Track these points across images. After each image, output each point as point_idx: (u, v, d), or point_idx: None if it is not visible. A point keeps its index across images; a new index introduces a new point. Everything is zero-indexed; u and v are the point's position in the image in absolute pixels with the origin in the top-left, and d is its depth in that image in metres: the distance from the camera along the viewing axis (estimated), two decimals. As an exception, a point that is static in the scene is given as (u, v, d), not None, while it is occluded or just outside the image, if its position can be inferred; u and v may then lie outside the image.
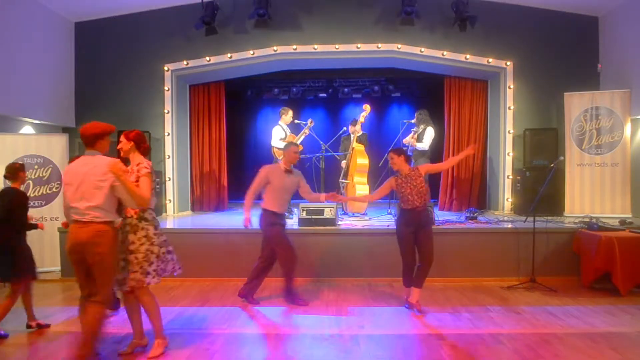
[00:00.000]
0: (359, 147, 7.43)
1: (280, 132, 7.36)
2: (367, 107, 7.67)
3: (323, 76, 9.82)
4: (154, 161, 7.91)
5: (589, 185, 7.22)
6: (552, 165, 5.99)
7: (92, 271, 3.30)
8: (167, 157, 8.10)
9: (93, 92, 8.05)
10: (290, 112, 7.53)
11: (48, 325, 4.41)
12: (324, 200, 5.18)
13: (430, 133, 7.47)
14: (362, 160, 7.36)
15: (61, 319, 4.65)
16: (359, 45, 7.83)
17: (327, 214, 6.08)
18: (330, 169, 8.19)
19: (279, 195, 4.91)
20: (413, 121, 7.71)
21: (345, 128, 8.12)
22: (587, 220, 6.03)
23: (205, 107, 8.85)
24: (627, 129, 7.04)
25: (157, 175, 7.75)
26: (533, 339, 4.01)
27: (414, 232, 4.63)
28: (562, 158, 6.44)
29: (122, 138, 3.84)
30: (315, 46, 7.85)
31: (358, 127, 7.51)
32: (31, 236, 6.22)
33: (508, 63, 7.92)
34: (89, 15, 7.95)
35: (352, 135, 7.60)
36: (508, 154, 7.99)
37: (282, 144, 7.29)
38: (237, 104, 10.25)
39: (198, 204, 8.76)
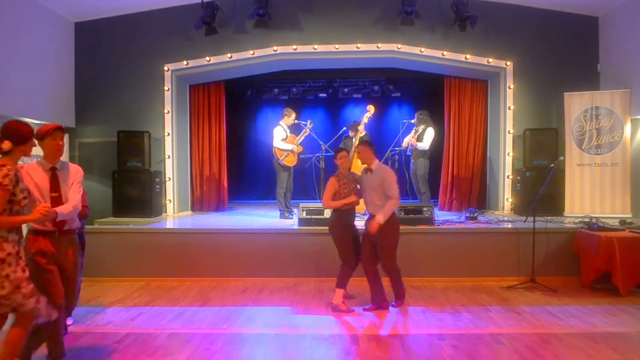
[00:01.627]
0: None
1: (282, 132, 7.37)
2: (371, 108, 7.62)
3: (323, 76, 9.82)
4: (153, 161, 7.92)
5: (589, 185, 7.22)
6: (552, 165, 5.99)
7: None
8: (167, 157, 8.10)
9: (93, 92, 8.05)
10: (294, 115, 7.54)
11: None
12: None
13: (430, 133, 7.49)
14: None
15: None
16: (359, 45, 7.83)
17: (327, 214, 6.08)
18: (330, 168, 8.14)
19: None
20: (413, 121, 7.72)
21: (345, 128, 8.13)
22: (587, 220, 6.04)
23: (205, 107, 8.85)
24: (627, 129, 7.04)
25: (157, 176, 7.77)
26: (533, 339, 4.01)
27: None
28: (562, 158, 6.44)
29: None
30: (315, 46, 7.85)
31: (362, 127, 7.50)
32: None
33: (508, 63, 7.92)
34: (89, 15, 7.94)
35: (353, 138, 7.58)
36: (508, 154, 7.99)
37: (283, 145, 7.31)
38: (237, 104, 10.26)
39: (198, 204, 8.76)
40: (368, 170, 4.80)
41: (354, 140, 7.55)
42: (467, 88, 8.65)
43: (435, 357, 3.67)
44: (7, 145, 2.96)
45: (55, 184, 3.29)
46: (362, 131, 7.51)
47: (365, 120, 7.54)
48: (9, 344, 3.02)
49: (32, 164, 3.32)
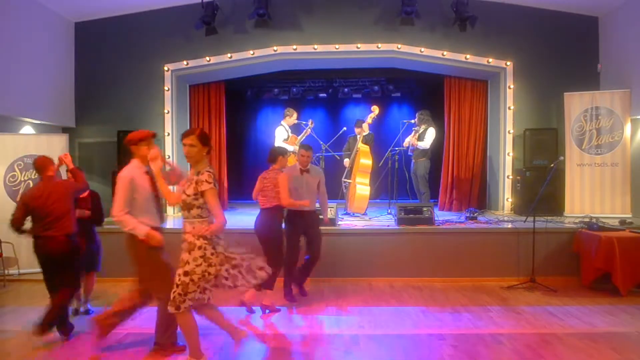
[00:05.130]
0: (364, 148, 7.42)
1: (283, 132, 7.37)
2: (375, 109, 7.60)
3: (323, 76, 9.81)
4: (153, 161, 7.91)
5: (589, 185, 7.22)
6: (552, 165, 5.99)
7: None
8: (167, 157, 8.09)
9: (93, 92, 8.05)
10: (295, 114, 7.55)
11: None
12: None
13: (431, 132, 7.50)
14: (365, 160, 7.35)
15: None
16: (359, 45, 7.83)
17: (328, 214, 6.07)
18: (330, 168, 8.18)
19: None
20: (414, 121, 7.72)
21: (345, 128, 8.14)
22: (587, 220, 6.04)
23: (205, 107, 8.85)
24: (627, 129, 7.04)
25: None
26: (533, 339, 4.02)
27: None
28: (562, 158, 6.44)
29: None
30: (315, 46, 7.85)
31: (365, 127, 7.50)
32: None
33: (508, 63, 7.92)
34: (89, 15, 7.95)
35: (358, 136, 7.59)
36: (508, 154, 7.99)
37: (285, 145, 7.30)
38: (237, 104, 10.24)
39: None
40: (304, 171, 4.99)
41: (358, 138, 7.55)
42: (467, 88, 8.64)
43: (435, 357, 3.68)
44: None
45: (153, 184, 3.67)
46: (365, 130, 7.52)
47: (369, 120, 7.55)
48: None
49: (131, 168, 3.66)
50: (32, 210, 4.08)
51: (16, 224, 4.09)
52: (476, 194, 8.61)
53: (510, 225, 6.35)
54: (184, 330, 3.36)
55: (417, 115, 7.69)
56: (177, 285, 3.21)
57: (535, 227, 5.64)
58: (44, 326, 3.92)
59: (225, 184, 8.99)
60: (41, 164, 4.21)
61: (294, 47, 7.86)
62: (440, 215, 6.99)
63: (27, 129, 7.26)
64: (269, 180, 4.74)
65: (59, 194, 4.14)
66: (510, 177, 7.94)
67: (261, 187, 4.78)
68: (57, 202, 4.09)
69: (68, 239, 4.11)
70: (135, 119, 7.97)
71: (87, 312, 4.81)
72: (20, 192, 6.37)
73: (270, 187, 4.72)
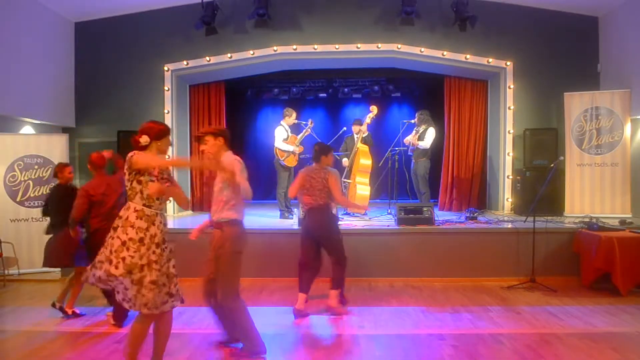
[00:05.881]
0: (363, 148, 7.41)
1: (283, 132, 7.37)
2: (374, 109, 7.58)
3: (323, 76, 9.82)
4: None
5: (589, 185, 7.22)
6: (552, 165, 5.99)
7: None
8: (167, 157, 8.08)
9: (93, 92, 8.06)
10: (294, 114, 7.54)
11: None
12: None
13: (431, 132, 7.49)
14: (365, 160, 7.35)
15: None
16: (359, 45, 7.83)
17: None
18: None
19: None
20: (414, 121, 7.72)
21: (345, 128, 8.12)
22: (587, 220, 6.04)
23: (205, 107, 8.85)
24: (627, 129, 7.04)
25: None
26: (533, 339, 4.01)
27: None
28: (562, 158, 6.43)
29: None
30: (315, 46, 7.85)
31: (364, 127, 7.50)
32: (33, 236, 6.28)
33: (508, 63, 7.92)
34: (89, 15, 7.95)
35: (356, 136, 7.58)
36: (508, 154, 8.00)
37: (285, 146, 7.31)
38: (237, 104, 10.25)
39: (198, 204, 8.75)
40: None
41: (356, 138, 7.54)
42: (467, 88, 8.64)
43: (435, 357, 3.67)
44: (145, 139, 3.21)
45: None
46: (364, 131, 7.51)
47: (368, 120, 7.54)
48: (128, 335, 3.23)
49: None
50: (94, 203, 4.37)
51: (81, 215, 4.38)
52: (476, 194, 8.61)
53: (510, 225, 6.35)
54: (168, 332, 3.35)
55: (417, 115, 7.69)
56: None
57: (535, 227, 5.64)
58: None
59: (225, 184, 8.97)
60: (97, 161, 4.62)
61: (294, 47, 7.86)
62: (440, 215, 6.99)
63: (27, 129, 7.26)
64: (316, 180, 4.66)
65: (122, 188, 4.41)
66: (510, 177, 7.94)
67: (307, 185, 4.66)
68: (123, 195, 4.41)
69: None
70: (135, 119, 7.94)
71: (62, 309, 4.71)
72: (21, 192, 6.38)
73: (318, 186, 4.64)
